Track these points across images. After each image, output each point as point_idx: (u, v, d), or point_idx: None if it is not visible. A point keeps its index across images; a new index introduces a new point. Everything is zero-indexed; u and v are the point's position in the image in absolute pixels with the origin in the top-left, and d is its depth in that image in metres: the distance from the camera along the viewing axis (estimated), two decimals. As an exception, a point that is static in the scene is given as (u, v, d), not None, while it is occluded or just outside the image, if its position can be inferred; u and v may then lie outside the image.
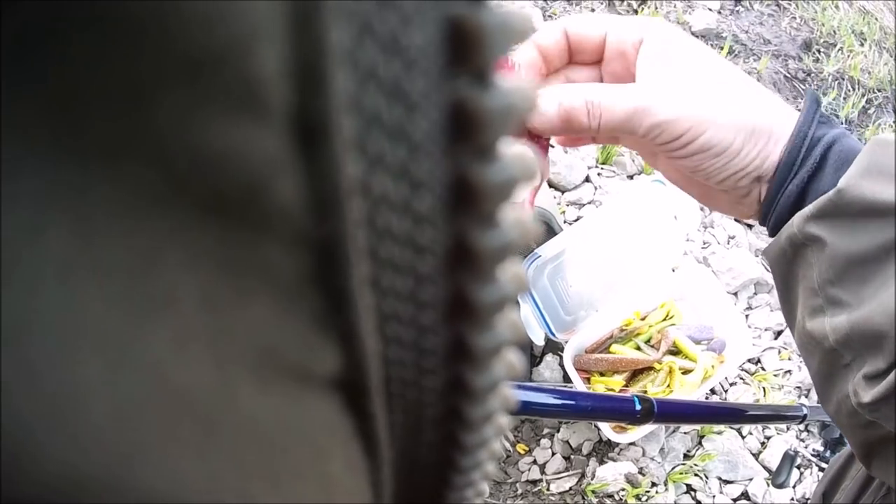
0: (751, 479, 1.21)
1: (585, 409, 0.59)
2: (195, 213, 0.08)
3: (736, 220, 1.47)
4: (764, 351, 1.36)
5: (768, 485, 1.20)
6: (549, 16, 1.68)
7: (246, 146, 0.07)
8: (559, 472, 1.14)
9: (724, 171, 0.36)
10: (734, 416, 0.82)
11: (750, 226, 1.48)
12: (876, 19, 2.33)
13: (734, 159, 0.35)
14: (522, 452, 1.16)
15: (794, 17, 2.16)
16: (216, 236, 0.08)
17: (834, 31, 2.15)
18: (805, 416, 0.83)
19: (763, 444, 1.27)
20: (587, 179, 1.38)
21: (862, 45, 2.18)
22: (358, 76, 0.08)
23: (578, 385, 1.06)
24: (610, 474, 1.14)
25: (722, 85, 0.35)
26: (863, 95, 1.95)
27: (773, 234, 0.38)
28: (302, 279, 0.09)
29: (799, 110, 0.36)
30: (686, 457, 1.21)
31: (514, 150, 0.11)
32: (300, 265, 0.09)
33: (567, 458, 1.16)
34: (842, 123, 1.82)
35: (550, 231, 1.09)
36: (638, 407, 0.59)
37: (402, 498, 0.18)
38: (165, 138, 0.07)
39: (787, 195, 0.36)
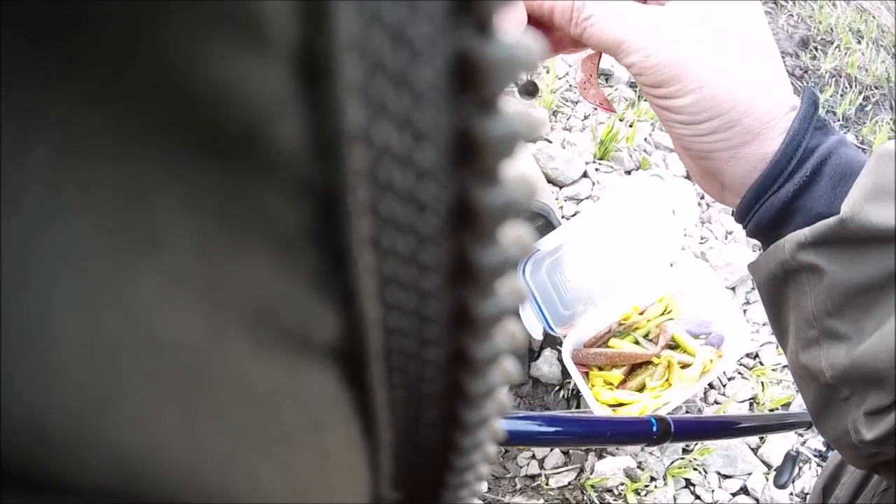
0: (749, 474, 1.22)
1: (604, 434, 0.60)
2: (192, 152, 0.07)
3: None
4: (762, 346, 1.36)
5: (767, 479, 1.20)
6: None
7: (247, 81, 0.07)
8: (558, 467, 1.14)
9: (692, 141, 0.31)
10: (747, 428, 0.83)
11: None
12: (873, 17, 2.33)
13: (706, 136, 0.31)
14: (521, 447, 1.16)
15: (792, 15, 2.16)
16: (213, 181, 0.08)
17: (831, 29, 2.16)
18: (812, 422, 0.84)
19: (762, 438, 1.27)
20: (585, 175, 1.38)
21: (859, 42, 2.18)
22: (363, 17, 0.08)
23: (577, 379, 1.06)
24: (609, 469, 1.14)
25: (737, 46, 0.30)
26: (860, 93, 1.95)
27: (751, 234, 0.34)
28: (301, 234, 0.09)
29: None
30: (685, 451, 1.21)
31: (516, 107, 0.10)
32: (299, 218, 0.09)
33: (566, 453, 1.16)
34: (839, 121, 1.82)
35: (549, 225, 1.09)
36: (655, 428, 0.60)
37: (403, 482, 0.18)
38: (165, 63, 0.06)
39: (767, 206, 0.32)
